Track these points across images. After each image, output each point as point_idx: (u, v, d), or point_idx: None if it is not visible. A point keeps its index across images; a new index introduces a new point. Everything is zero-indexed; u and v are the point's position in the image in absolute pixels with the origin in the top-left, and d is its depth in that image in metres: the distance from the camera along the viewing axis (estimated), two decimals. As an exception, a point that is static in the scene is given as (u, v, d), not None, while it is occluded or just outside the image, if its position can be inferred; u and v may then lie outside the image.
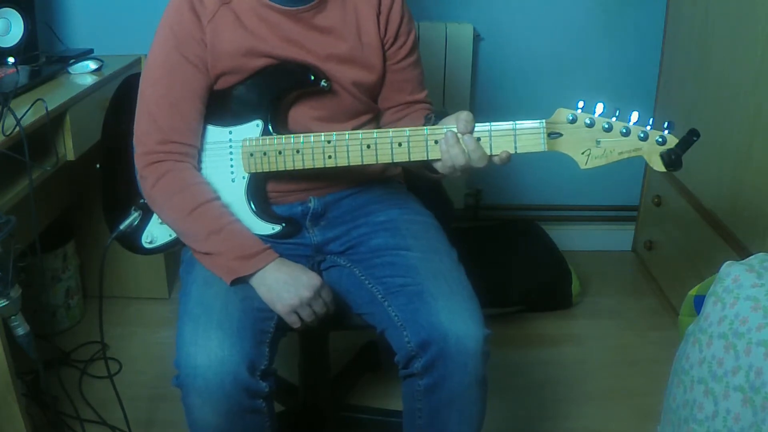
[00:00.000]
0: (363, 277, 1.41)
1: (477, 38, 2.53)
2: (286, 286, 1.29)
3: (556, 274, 2.43)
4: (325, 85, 1.37)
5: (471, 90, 2.56)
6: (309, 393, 1.78)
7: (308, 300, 1.30)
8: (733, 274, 1.29)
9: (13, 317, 1.25)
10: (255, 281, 1.31)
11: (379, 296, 1.37)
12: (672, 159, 1.19)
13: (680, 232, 2.28)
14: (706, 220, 2.08)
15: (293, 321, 1.31)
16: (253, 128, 1.38)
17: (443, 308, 1.29)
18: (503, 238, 2.60)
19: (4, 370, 1.42)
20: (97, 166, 1.58)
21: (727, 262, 1.33)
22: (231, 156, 1.40)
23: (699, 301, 1.45)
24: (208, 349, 1.21)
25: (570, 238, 2.76)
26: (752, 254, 1.37)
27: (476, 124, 1.23)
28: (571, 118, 1.21)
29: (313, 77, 1.37)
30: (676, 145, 1.19)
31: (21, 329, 1.27)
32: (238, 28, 1.36)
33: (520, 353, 2.20)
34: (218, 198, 1.37)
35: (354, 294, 1.43)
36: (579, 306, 2.47)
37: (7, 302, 1.22)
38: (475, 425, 1.35)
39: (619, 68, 2.59)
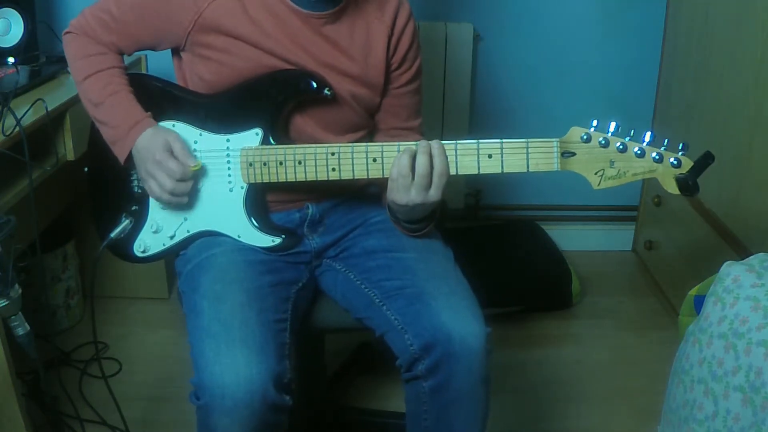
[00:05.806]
0: (359, 282, 1.40)
1: (477, 38, 2.53)
2: (142, 156, 1.32)
3: (556, 274, 2.43)
4: (329, 93, 1.32)
5: (471, 90, 2.56)
6: (305, 394, 1.77)
7: (160, 161, 1.30)
8: (733, 274, 1.29)
9: (13, 317, 1.25)
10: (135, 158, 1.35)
11: (377, 300, 1.35)
12: (689, 185, 1.16)
13: (680, 232, 2.28)
14: (706, 220, 2.08)
15: (150, 187, 1.33)
16: (252, 137, 1.33)
17: (444, 308, 1.28)
18: (503, 238, 2.60)
19: (4, 370, 1.42)
20: (85, 169, 1.52)
21: (727, 262, 1.33)
22: (229, 165, 1.34)
23: (699, 301, 1.45)
24: (236, 368, 1.16)
25: (570, 238, 2.76)
26: (752, 254, 1.36)
27: (488, 140, 1.23)
28: (585, 137, 1.20)
29: (315, 85, 1.31)
30: (691, 170, 1.17)
31: (21, 329, 1.26)
32: (242, 15, 1.31)
33: (520, 353, 2.20)
34: (112, 68, 1.39)
35: (351, 299, 1.42)
36: (579, 306, 2.47)
37: (7, 302, 1.21)
38: (481, 423, 1.35)
39: (619, 68, 2.59)
